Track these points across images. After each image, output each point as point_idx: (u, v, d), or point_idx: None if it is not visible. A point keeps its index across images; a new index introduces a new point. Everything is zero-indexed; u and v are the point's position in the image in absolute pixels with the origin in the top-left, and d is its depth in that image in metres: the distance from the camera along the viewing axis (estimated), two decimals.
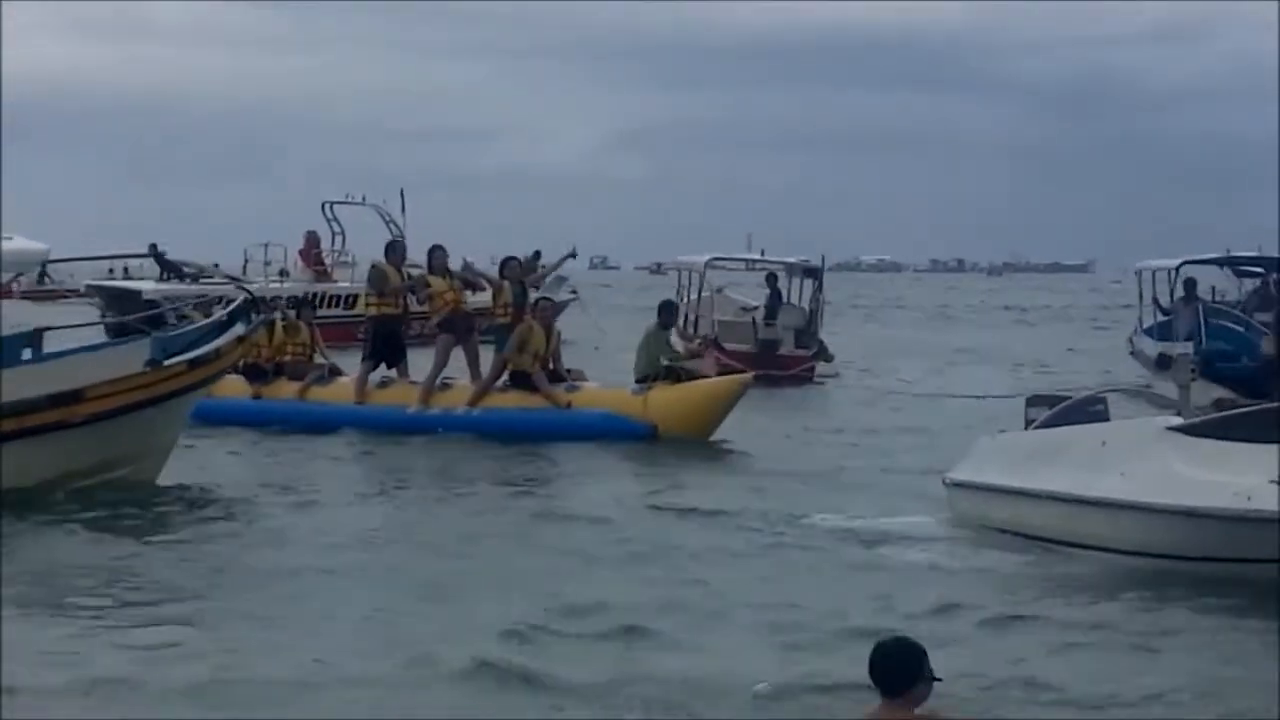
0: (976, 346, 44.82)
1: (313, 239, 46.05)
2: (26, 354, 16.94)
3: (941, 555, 13.89)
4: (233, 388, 22.67)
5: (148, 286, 43.93)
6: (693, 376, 21.64)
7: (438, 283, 22.60)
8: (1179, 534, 12.50)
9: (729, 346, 33.10)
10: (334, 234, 47.09)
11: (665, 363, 21.52)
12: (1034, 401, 16.50)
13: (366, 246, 47.21)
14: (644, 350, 21.83)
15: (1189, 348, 31.17)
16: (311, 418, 22.52)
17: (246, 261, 45.92)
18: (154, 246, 46.01)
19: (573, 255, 32.71)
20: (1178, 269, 33.32)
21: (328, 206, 47.19)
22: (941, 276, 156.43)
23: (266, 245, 45.43)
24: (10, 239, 17.38)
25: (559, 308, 25.20)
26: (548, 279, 27.53)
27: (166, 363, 16.71)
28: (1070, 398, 16.00)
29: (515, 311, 22.02)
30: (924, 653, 6.08)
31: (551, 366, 21.69)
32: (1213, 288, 34.89)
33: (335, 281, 44.24)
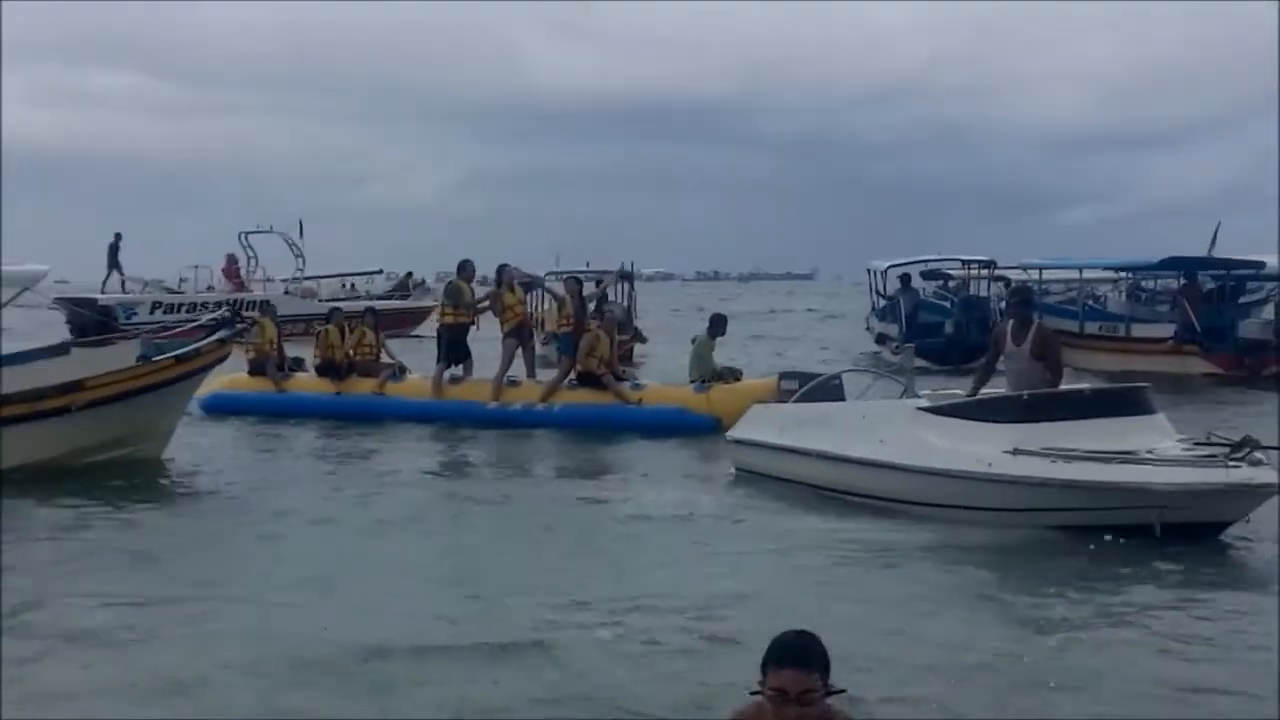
0: (747, 334, 44.72)
1: (232, 260, 45.57)
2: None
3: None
4: (316, 385, 21.41)
5: (101, 296, 42.90)
6: (736, 378, 19.69)
7: (509, 296, 20.57)
8: (929, 488, 12.44)
9: None
10: (249, 257, 46.22)
11: (717, 368, 19.68)
12: (786, 376, 16.46)
13: (276, 265, 47.23)
14: (697, 356, 19.79)
15: (893, 329, 33.00)
16: (395, 411, 20.34)
17: (182, 279, 45.52)
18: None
19: (624, 274, 32.09)
20: (886, 270, 34.69)
21: (243, 235, 46.30)
22: (703, 284, 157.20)
23: (196, 267, 45.78)
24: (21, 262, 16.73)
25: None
26: (599, 294, 25.45)
27: (155, 359, 16.10)
28: (817, 375, 15.93)
29: (576, 322, 20.26)
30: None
31: (611, 369, 19.91)
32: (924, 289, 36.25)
33: (251, 292, 43.41)
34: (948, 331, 32.09)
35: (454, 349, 20.76)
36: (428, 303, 47.85)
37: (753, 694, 3.84)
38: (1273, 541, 11.28)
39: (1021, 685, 7.73)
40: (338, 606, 9.39)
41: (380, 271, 51.24)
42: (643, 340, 33.28)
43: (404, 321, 42.37)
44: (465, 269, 21.45)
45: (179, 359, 16.25)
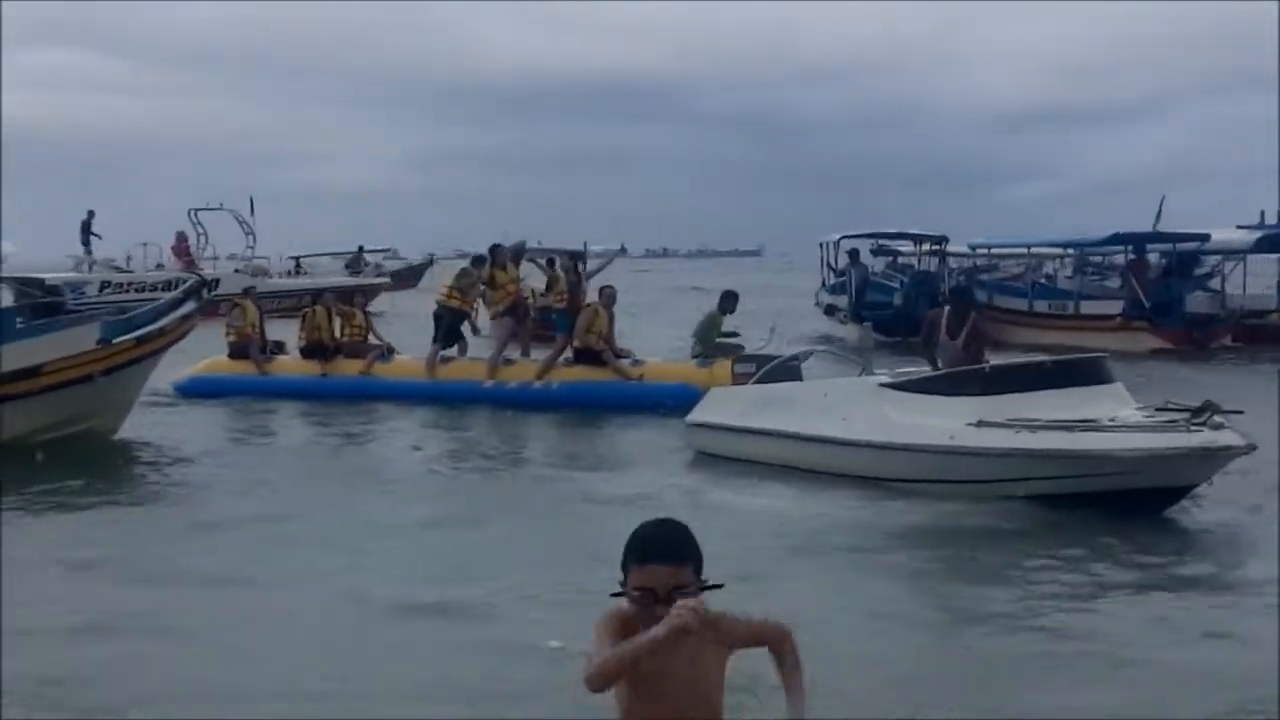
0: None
1: (182, 238, 44.68)
2: (20, 321, 16.34)
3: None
4: (301, 367, 20.69)
5: (49, 275, 42.45)
6: (739, 352, 18.44)
7: (501, 275, 20.00)
8: (894, 463, 12.46)
9: None
10: (198, 234, 45.53)
11: (719, 340, 18.95)
12: (741, 360, 16.28)
13: (226, 242, 46.70)
14: (704, 330, 19.18)
15: (842, 300, 33.15)
16: (388, 393, 19.57)
17: (129, 257, 44.67)
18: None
19: (622, 252, 31.45)
20: (837, 242, 35.17)
21: (193, 212, 45.58)
22: (652, 260, 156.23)
23: (144, 244, 45.06)
24: None
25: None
26: (599, 271, 24.73)
27: (115, 340, 15.74)
28: (773, 358, 15.76)
29: (570, 298, 19.86)
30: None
31: (609, 345, 19.18)
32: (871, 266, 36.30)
33: (201, 270, 42.81)
34: (896, 304, 32.26)
35: (451, 332, 20.33)
36: (377, 280, 47.65)
37: (614, 595, 3.24)
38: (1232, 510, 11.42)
39: (968, 675, 7.50)
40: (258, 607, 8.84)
41: (391, 250, 50.14)
42: None
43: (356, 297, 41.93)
44: (480, 262, 20.84)
45: (140, 340, 15.93)
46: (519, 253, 21.58)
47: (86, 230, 43.83)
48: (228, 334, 21.19)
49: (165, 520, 12.04)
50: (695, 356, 19.08)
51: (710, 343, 19.07)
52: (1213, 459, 11.10)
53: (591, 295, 20.45)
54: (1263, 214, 33.08)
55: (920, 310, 30.12)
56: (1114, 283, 33.53)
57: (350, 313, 21.23)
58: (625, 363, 19.13)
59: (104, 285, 41.19)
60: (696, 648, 3.26)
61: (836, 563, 10.18)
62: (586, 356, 19.06)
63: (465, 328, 20.95)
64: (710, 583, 3.20)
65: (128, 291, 39.73)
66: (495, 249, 20.60)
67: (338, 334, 20.92)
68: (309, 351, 20.83)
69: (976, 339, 13.09)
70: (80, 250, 43.68)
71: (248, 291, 23.25)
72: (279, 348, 21.58)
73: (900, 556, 10.34)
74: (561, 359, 19.40)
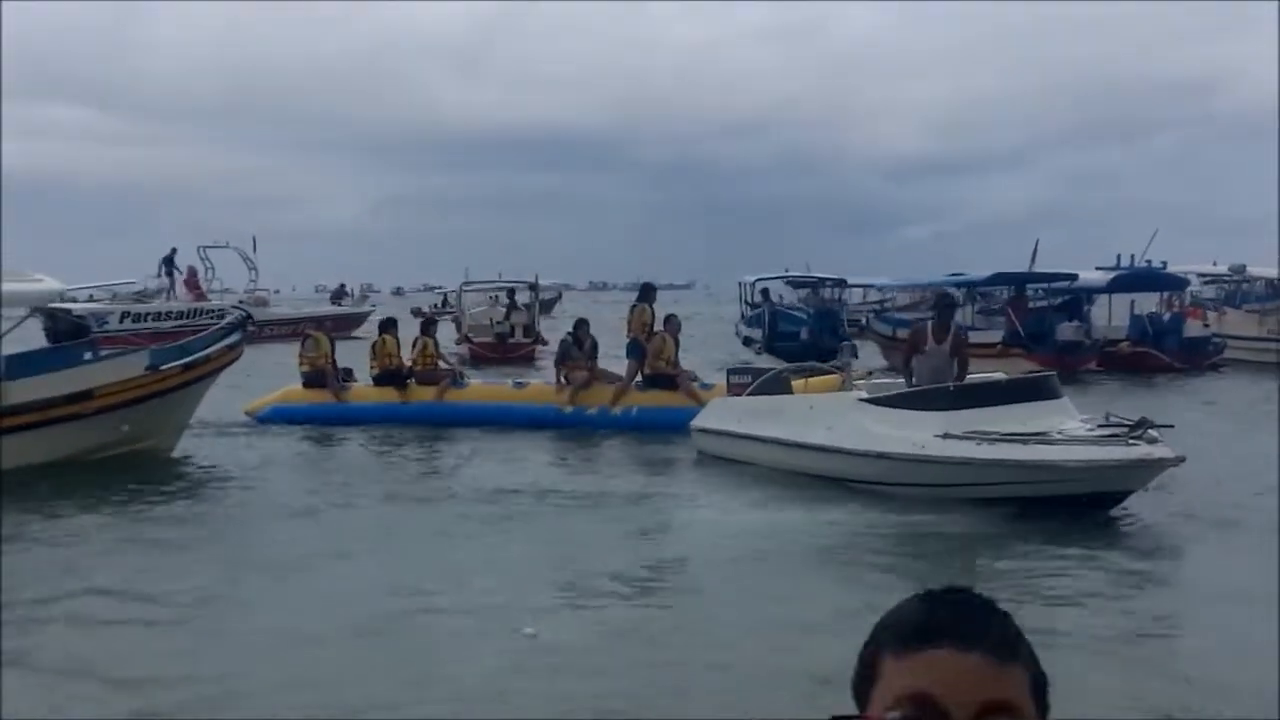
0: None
1: (193, 272, 43.81)
2: (87, 355, 15.45)
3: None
4: (379, 394, 18.74)
5: (77, 306, 41.44)
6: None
7: (645, 313, 18.44)
8: (871, 468, 12.34)
9: (476, 339, 32.74)
10: (207, 269, 44.73)
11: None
12: (734, 371, 16.17)
13: (231, 277, 45.91)
14: None
15: (758, 333, 33.12)
16: (468, 416, 17.94)
17: (144, 289, 43.56)
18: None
19: (532, 285, 31.11)
20: (753, 283, 34.78)
21: (202, 249, 44.93)
22: (594, 293, 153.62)
23: (159, 277, 44.00)
24: (40, 279, 15.15)
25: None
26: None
27: (163, 367, 15.14)
28: (765, 371, 15.63)
29: (649, 330, 18.16)
30: None
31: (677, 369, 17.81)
32: (780, 295, 36.29)
33: (209, 302, 42.03)
34: (804, 336, 32.31)
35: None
36: (365, 309, 47.07)
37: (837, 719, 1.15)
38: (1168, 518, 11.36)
39: None
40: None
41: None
42: (543, 343, 32.82)
43: (345, 326, 41.41)
44: (647, 294, 19.37)
45: (187, 367, 15.30)
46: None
47: (170, 264, 42.87)
48: (301, 364, 19.29)
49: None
50: None
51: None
52: (1149, 469, 11.06)
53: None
54: (1118, 257, 33.42)
55: (824, 340, 30.39)
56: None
57: (423, 342, 19.52)
58: (695, 386, 17.44)
59: (124, 315, 40.33)
60: None
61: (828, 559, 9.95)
62: (659, 382, 17.67)
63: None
64: None
65: (145, 321, 38.90)
66: (648, 288, 19.53)
67: (408, 362, 19.32)
68: (382, 379, 19.12)
69: (960, 344, 12.96)
70: (165, 281, 42.86)
71: (321, 323, 22.04)
72: (348, 375, 19.66)
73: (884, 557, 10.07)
74: (633, 384, 17.95)
